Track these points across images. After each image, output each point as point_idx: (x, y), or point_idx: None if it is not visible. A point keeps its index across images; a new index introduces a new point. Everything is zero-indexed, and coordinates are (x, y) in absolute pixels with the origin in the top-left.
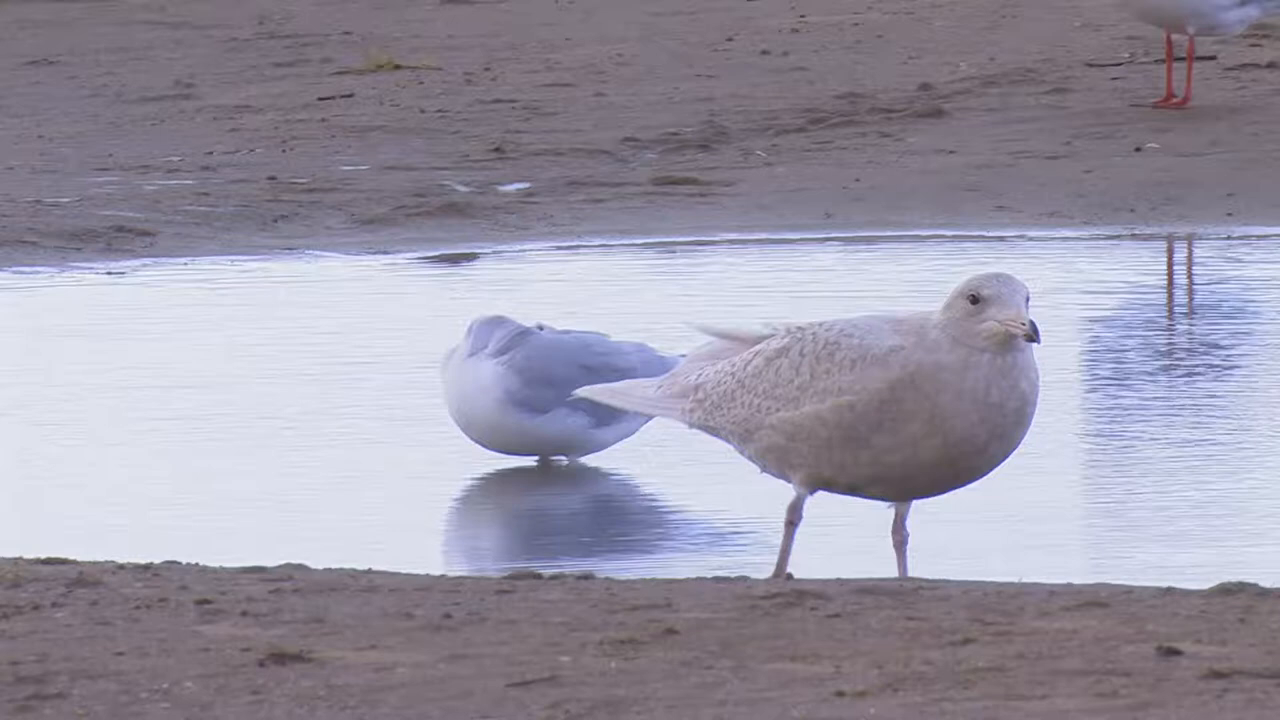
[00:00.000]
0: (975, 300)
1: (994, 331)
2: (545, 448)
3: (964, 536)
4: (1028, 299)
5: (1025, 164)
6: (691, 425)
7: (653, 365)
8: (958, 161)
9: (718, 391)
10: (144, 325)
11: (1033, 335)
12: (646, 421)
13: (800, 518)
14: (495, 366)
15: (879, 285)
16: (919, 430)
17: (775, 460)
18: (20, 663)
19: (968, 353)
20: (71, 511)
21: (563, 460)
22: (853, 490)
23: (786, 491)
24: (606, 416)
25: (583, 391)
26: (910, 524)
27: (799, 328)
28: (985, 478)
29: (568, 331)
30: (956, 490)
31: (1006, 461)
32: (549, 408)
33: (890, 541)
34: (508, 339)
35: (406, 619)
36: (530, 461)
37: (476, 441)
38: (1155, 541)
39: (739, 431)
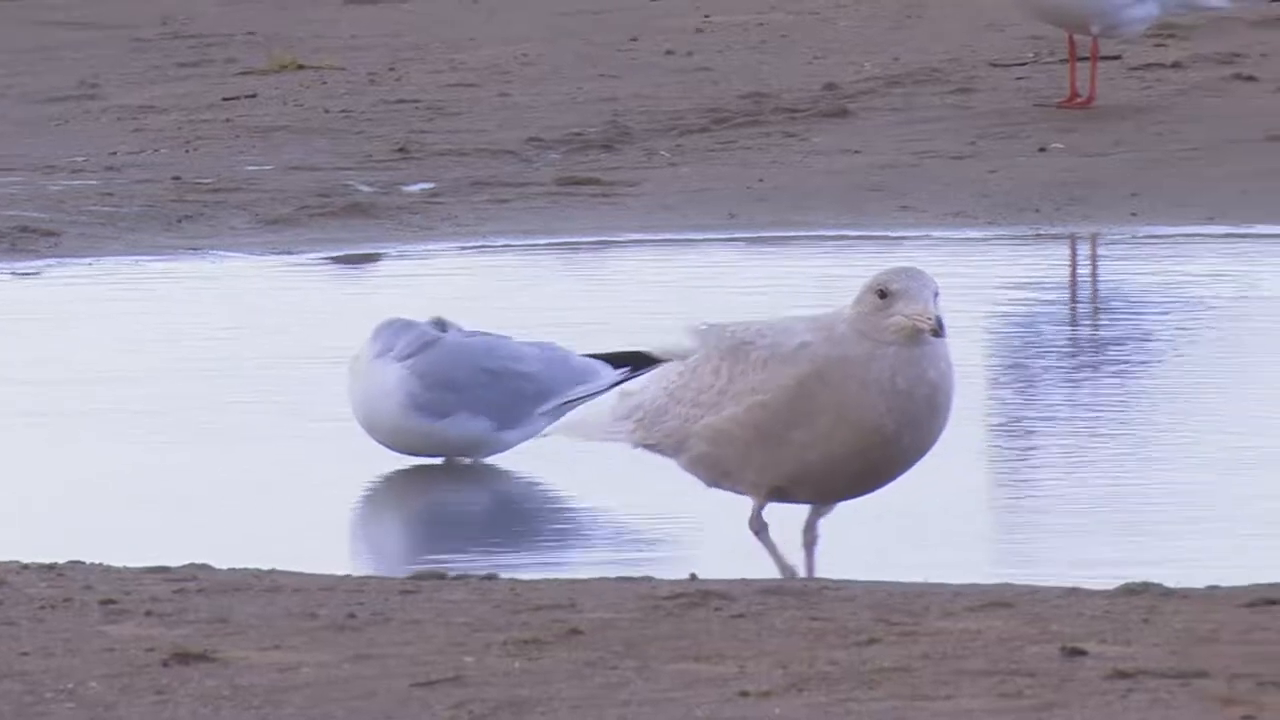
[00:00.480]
0: (883, 295)
1: (901, 326)
2: (448, 450)
3: (869, 536)
4: (936, 294)
5: (930, 164)
6: (636, 446)
7: (556, 365)
8: (862, 161)
9: (653, 407)
10: (48, 325)
11: (938, 330)
12: (549, 424)
13: (763, 525)
14: (399, 370)
15: (783, 285)
16: (829, 423)
17: (709, 470)
18: None
19: (874, 345)
20: None
21: (465, 460)
22: (788, 496)
23: (692, 492)
24: (509, 419)
25: (550, 431)
26: (821, 526)
27: (719, 333)
28: (907, 472)
29: (474, 333)
30: (885, 487)
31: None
32: (451, 411)
33: (800, 541)
34: (413, 344)
35: (310, 619)
36: (435, 461)
37: (381, 444)
38: (1060, 540)
39: (672, 444)
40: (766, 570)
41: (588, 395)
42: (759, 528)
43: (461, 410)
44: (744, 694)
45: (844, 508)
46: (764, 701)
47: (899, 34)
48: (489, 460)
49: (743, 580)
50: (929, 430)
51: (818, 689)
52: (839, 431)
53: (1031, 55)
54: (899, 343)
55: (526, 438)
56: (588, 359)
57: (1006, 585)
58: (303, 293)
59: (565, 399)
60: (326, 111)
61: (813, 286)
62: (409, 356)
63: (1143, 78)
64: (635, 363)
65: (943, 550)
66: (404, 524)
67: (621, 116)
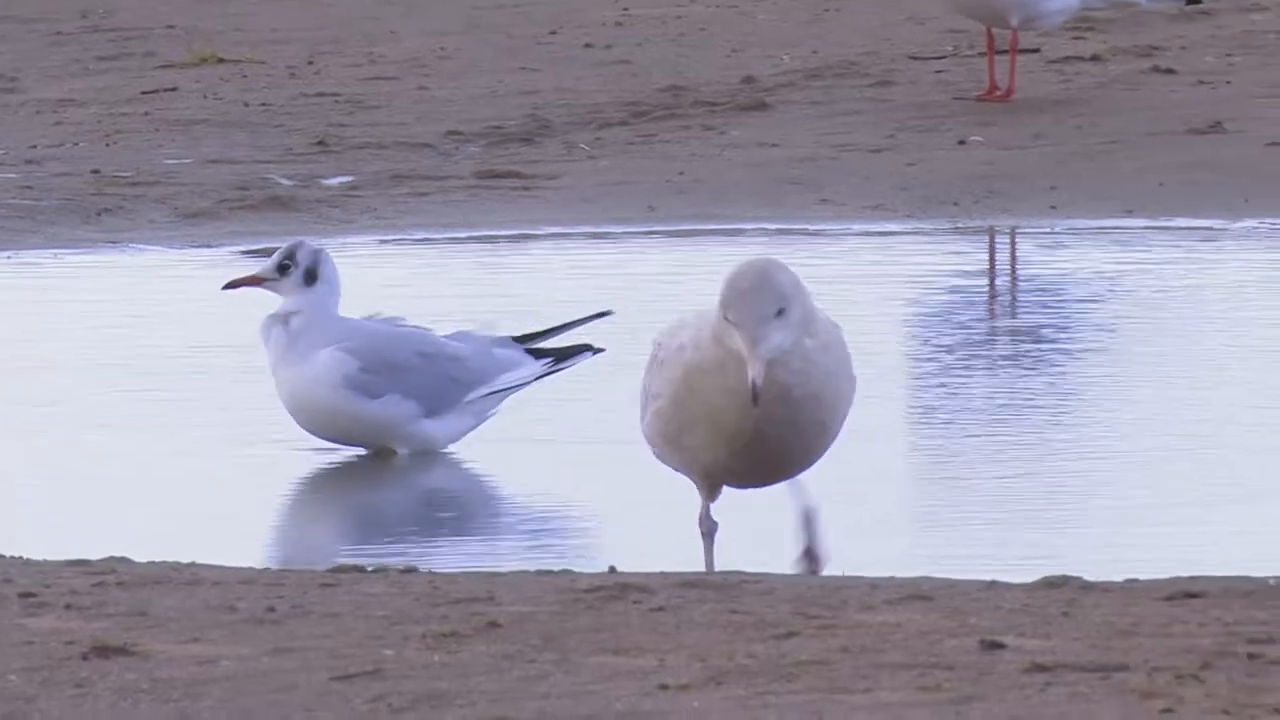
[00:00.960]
0: (728, 318)
1: (741, 355)
2: (376, 434)
3: (785, 529)
4: (780, 311)
5: (848, 157)
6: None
7: (484, 353)
8: (781, 154)
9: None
10: None
11: (754, 398)
12: (480, 421)
13: (709, 527)
14: (334, 352)
15: (702, 278)
16: (706, 430)
17: (670, 467)
18: None
19: (725, 351)
20: None
21: (395, 451)
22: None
23: (610, 485)
24: (439, 405)
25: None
26: (716, 515)
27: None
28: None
29: (396, 320)
30: (810, 464)
31: (828, 441)
32: (383, 393)
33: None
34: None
35: (230, 612)
36: (354, 455)
37: (307, 428)
38: (978, 533)
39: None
40: (686, 564)
41: (515, 387)
42: (703, 529)
43: (394, 392)
44: (663, 687)
45: (761, 499)
46: (683, 694)
47: (817, 27)
48: (409, 455)
49: (662, 573)
50: (799, 426)
51: (736, 682)
52: (716, 436)
53: (950, 48)
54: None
55: (455, 433)
56: (511, 352)
57: (925, 578)
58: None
59: (493, 388)
60: (246, 105)
61: None
62: (342, 340)
63: (1061, 71)
64: (568, 354)
65: (861, 543)
66: (324, 518)
67: (541, 110)
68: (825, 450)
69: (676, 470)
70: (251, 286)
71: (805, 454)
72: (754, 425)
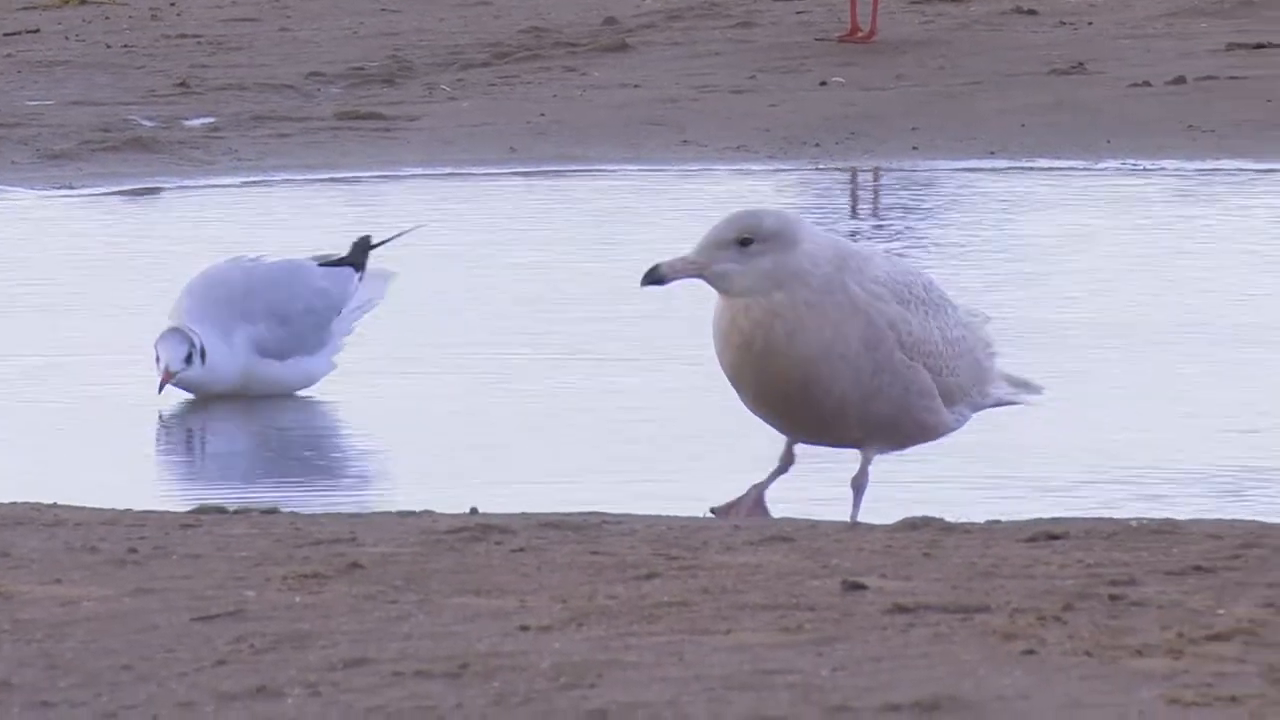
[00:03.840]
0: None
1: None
2: (283, 387)
3: (646, 471)
4: (745, 241)
5: (710, 98)
6: None
7: (331, 277)
8: (643, 95)
9: None
10: None
11: (644, 276)
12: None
13: (783, 463)
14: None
15: (564, 219)
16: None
17: None
18: None
19: (723, 301)
20: None
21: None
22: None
23: (473, 427)
24: (319, 342)
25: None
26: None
27: None
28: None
29: (257, 260)
30: (849, 427)
31: (855, 415)
32: (290, 354)
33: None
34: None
35: (91, 553)
36: (218, 398)
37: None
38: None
39: None
40: (546, 505)
41: (366, 307)
42: (780, 463)
43: (299, 352)
44: (524, 628)
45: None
46: (544, 635)
47: None
48: (273, 396)
49: (523, 514)
50: (772, 380)
51: (597, 623)
52: (734, 388)
53: None
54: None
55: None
56: (328, 268)
57: (786, 520)
58: (83, 226)
59: (355, 310)
60: (108, 47)
61: (591, 220)
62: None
63: (923, 12)
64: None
65: (722, 485)
66: (185, 459)
67: (402, 51)
68: (863, 425)
69: None
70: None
71: (817, 420)
72: (733, 374)
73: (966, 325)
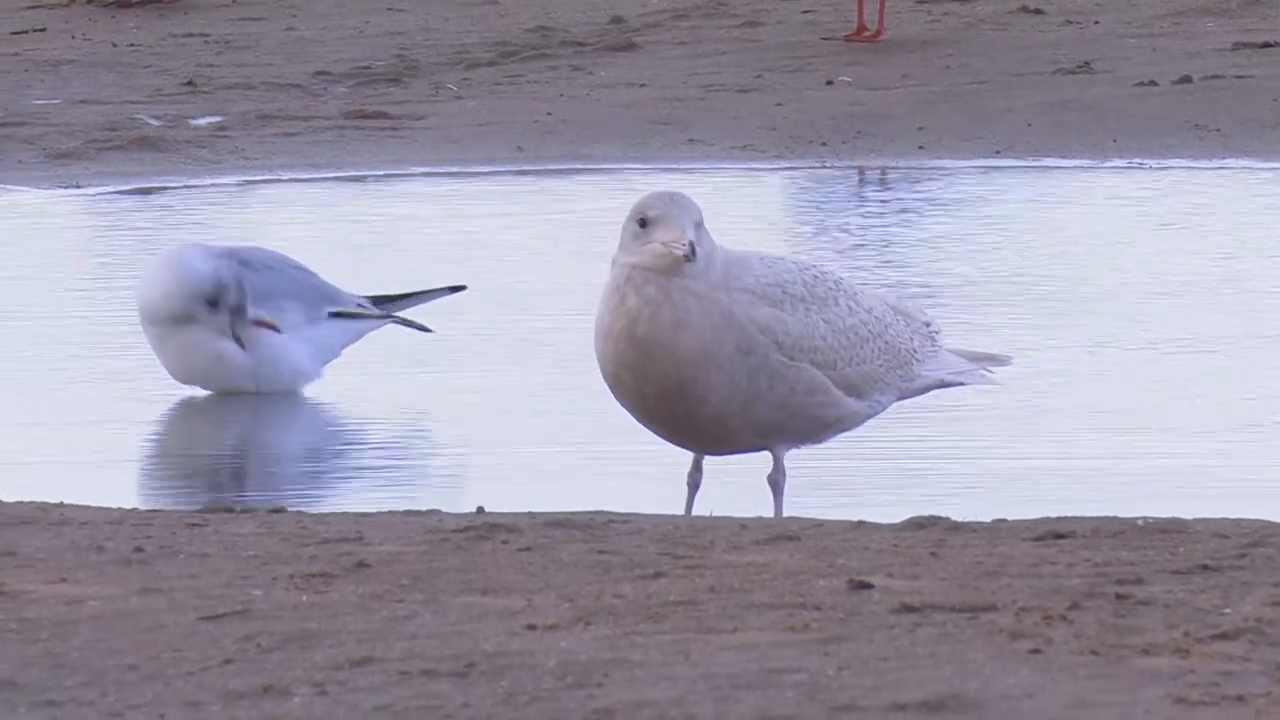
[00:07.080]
0: (644, 223)
1: (659, 254)
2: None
3: (656, 471)
4: (698, 223)
5: (717, 97)
6: None
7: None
8: (649, 95)
9: None
10: None
11: (690, 255)
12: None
13: (693, 480)
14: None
15: (570, 219)
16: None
17: None
18: None
19: (612, 287)
20: None
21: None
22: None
23: (478, 426)
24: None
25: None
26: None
27: None
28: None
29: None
30: (727, 439)
31: (726, 422)
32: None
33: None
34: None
35: (98, 552)
36: (226, 395)
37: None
38: (847, 474)
39: None
40: (553, 504)
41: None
42: (689, 480)
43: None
44: (531, 627)
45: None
46: (551, 634)
47: None
48: (278, 395)
49: (529, 514)
50: (647, 375)
51: (604, 622)
52: (615, 395)
53: None
54: (661, 270)
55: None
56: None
57: (793, 519)
58: (92, 226)
59: (355, 306)
60: (115, 45)
61: (599, 220)
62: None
63: (930, 11)
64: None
65: (728, 486)
66: (192, 458)
67: (408, 50)
68: (752, 429)
69: None
70: None
71: (696, 430)
72: (613, 369)
73: (872, 311)
